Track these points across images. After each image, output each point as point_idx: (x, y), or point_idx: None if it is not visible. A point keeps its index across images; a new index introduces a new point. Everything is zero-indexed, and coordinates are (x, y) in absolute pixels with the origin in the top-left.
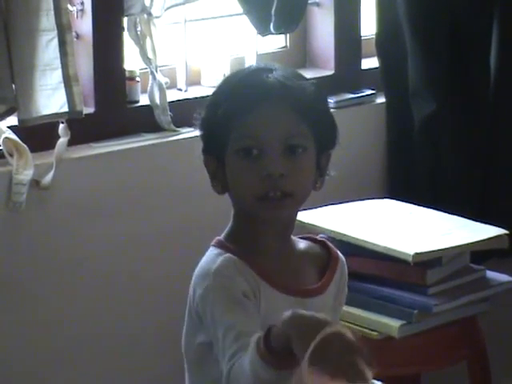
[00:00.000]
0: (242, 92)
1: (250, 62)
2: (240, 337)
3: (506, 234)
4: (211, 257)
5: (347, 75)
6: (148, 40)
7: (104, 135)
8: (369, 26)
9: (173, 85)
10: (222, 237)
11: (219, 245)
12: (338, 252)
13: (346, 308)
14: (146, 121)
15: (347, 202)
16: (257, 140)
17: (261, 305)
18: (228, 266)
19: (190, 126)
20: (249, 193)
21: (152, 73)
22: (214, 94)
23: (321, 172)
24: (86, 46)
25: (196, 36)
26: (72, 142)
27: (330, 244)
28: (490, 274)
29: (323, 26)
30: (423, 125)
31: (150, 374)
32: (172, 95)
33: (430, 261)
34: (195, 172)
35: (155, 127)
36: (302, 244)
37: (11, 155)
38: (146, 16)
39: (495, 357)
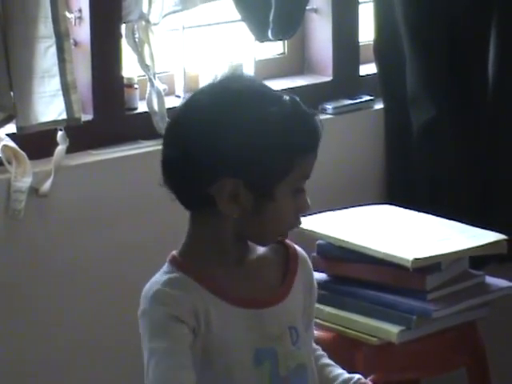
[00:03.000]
0: (309, 130)
1: (248, 68)
2: (160, 363)
3: (504, 240)
4: (159, 276)
5: (345, 81)
6: (146, 47)
7: (102, 142)
8: (367, 31)
9: (171, 91)
10: (178, 251)
11: (173, 262)
12: (298, 249)
13: (345, 314)
14: (144, 128)
15: (346, 207)
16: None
17: (212, 322)
18: (168, 291)
19: None
20: (284, 227)
21: (150, 80)
22: (254, 122)
23: None
24: (84, 53)
25: (194, 43)
26: (70, 150)
27: (289, 242)
28: (489, 279)
29: (321, 32)
30: (422, 130)
31: None
32: (170, 102)
33: (429, 266)
34: None
35: (154, 134)
36: (261, 249)
37: (10, 163)
38: (143, 23)
39: (495, 362)
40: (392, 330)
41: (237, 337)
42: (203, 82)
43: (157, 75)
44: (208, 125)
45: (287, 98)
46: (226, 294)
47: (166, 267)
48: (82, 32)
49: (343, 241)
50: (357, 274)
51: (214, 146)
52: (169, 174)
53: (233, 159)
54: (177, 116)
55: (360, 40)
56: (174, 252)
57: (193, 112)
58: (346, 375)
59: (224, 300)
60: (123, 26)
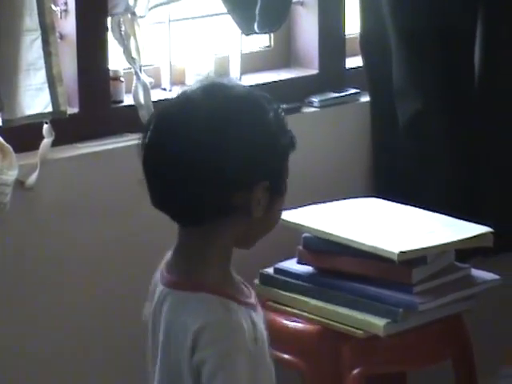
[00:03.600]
0: (291, 135)
1: (234, 61)
2: None
3: (490, 233)
4: (212, 308)
5: (331, 74)
6: (132, 40)
7: (88, 135)
8: (353, 24)
9: (157, 84)
10: (197, 279)
11: (207, 290)
12: None
13: (331, 307)
14: (130, 121)
15: (332, 201)
16: None
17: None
18: (239, 318)
19: None
20: (273, 225)
21: (136, 73)
22: (263, 121)
23: None
24: (70, 46)
25: (180, 35)
26: (56, 143)
27: None
28: (475, 272)
29: (307, 25)
30: (408, 123)
31: (137, 373)
32: (156, 95)
33: (415, 259)
34: None
35: (140, 127)
36: None
37: None
38: (129, 16)
39: (480, 354)
40: (378, 322)
41: (264, 335)
42: (189, 75)
43: (143, 68)
44: (239, 133)
45: (268, 97)
46: (242, 301)
47: (207, 299)
48: (68, 25)
49: (329, 234)
50: (343, 267)
51: (248, 152)
52: (181, 196)
53: (264, 162)
54: (181, 136)
55: (346, 33)
56: (195, 280)
57: (213, 125)
58: None
59: (246, 307)
60: (109, 19)
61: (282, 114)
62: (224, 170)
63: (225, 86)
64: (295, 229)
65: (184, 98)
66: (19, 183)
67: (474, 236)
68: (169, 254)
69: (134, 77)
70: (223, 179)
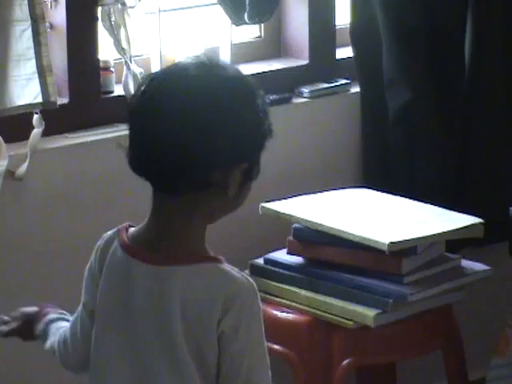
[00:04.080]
0: (271, 124)
1: (225, 51)
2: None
3: (481, 223)
4: (232, 275)
5: (322, 65)
6: (122, 30)
7: (78, 126)
8: (343, 15)
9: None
10: (197, 250)
11: (214, 259)
12: None
13: (321, 297)
14: (120, 111)
15: (323, 191)
16: None
17: None
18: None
19: None
20: (238, 207)
21: (126, 63)
22: (252, 100)
23: None
24: (60, 37)
25: (170, 26)
26: (46, 133)
27: None
28: (466, 262)
29: (297, 15)
30: (398, 114)
31: None
32: None
33: (405, 250)
34: None
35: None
36: None
37: None
38: (119, 6)
39: (470, 345)
40: (368, 313)
41: None
42: None
43: (133, 58)
44: (227, 112)
45: (256, 84)
46: None
47: (221, 267)
48: (58, 15)
49: (319, 224)
50: (333, 258)
51: (235, 133)
52: (166, 162)
53: (248, 145)
54: (169, 101)
55: (336, 23)
56: (202, 252)
57: (203, 99)
58: None
59: None
60: (99, 9)
61: (267, 101)
62: (211, 147)
63: (221, 66)
64: (285, 219)
65: (180, 69)
66: (9, 173)
67: (465, 227)
68: (123, 232)
69: (124, 67)
70: (208, 155)
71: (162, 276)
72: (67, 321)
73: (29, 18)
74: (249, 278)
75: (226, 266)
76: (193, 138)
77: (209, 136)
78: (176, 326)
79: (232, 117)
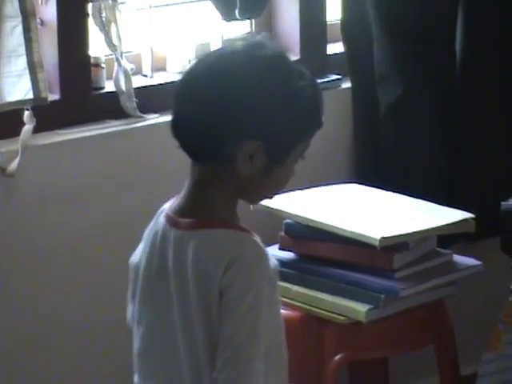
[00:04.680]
0: (322, 108)
1: (215, 47)
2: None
3: (472, 218)
4: (241, 240)
5: (313, 60)
6: (113, 26)
7: (69, 122)
8: (334, 10)
9: (138, 71)
10: (217, 217)
11: (230, 226)
12: None
13: (313, 293)
14: (111, 107)
15: (314, 187)
16: None
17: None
18: (264, 248)
19: (155, 112)
20: (278, 191)
21: (117, 59)
22: (288, 82)
23: None
24: (51, 33)
25: (161, 22)
26: (37, 129)
27: None
28: (457, 257)
29: (288, 11)
30: (389, 109)
31: (120, 361)
32: (137, 81)
33: (396, 245)
34: (161, 158)
35: (121, 113)
36: None
37: None
38: (110, 2)
39: (462, 340)
40: (360, 308)
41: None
42: (170, 62)
43: (124, 54)
44: (244, 88)
45: (308, 73)
46: None
47: (234, 233)
48: (49, 11)
49: (311, 220)
50: (324, 253)
51: (248, 111)
52: (189, 129)
53: (263, 125)
54: (201, 75)
55: (327, 19)
56: (211, 217)
57: (227, 75)
58: None
59: None
60: (90, 6)
61: (319, 93)
62: (222, 119)
63: (262, 46)
64: (277, 215)
65: (227, 46)
66: (0, 170)
67: (456, 222)
68: (171, 203)
69: (115, 63)
70: (219, 126)
71: (185, 240)
72: None
73: (19, 14)
74: (262, 247)
75: (243, 234)
76: (200, 108)
77: (213, 108)
78: (189, 284)
79: (248, 94)
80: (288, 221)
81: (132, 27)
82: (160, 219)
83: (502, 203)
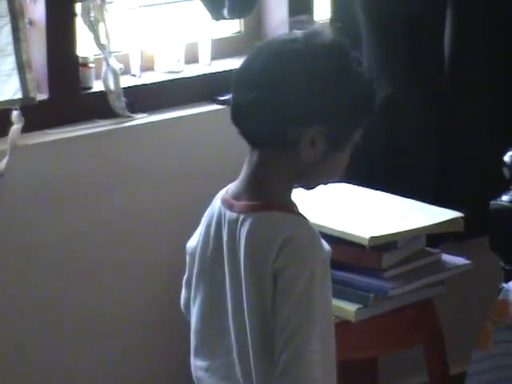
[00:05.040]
0: (375, 90)
1: (204, 47)
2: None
3: (461, 217)
4: (294, 223)
5: None
6: (101, 26)
7: (58, 122)
8: (323, 10)
9: (127, 70)
10: (272, 201)
11: (285, 209)
12: None
13: None
14: (100, 107)
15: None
16: None
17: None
18: (317, 231)
19: (144, 111)
20: (336, 176)
21: (106, 59)
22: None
23: None
24: (40, 33)
25: (149, 21)
26: (26, 129)
27: None
28: (446, 257)
29: (277, 10)
30: (379, 109)
31: (114, 358)
32: (126, 81)
33: (385, 244)
34: (150, 157)
35: (109, 113)
36: None
37: None
38: (99, 1)
39: (451, 339)
40: (349, 308)
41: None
42: (159, 61)
43: (112, 54)
44: (309, 76)
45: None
46: None
47: (287, 216)
48: (37, 11)
49: None
50: None
51: (312, 97)
52: (252, 117)
53: (325, 111)
54: (265, 63)
55: (316, 19)
56: (269, 201)
57: (289, 61)
58: None
59: None
60: (78, 5)
61: (373, 81)
62: (283, 105)
63: (320, 36)
64: None
65: (285, 34)
66: None
67: (445, 221)
68: (228, 188)
69: (104, 63)
70: (281, 112)
71: (240, 222)
72: None
73: (8, 13)
74: (314, 230)
75: (296, 217)
76: (264, 95)
77: (279, 94)
78: (242, 266)
79: (306, 80)
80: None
81: (120, 27)
82: (216, 202)
83: (491, 202)
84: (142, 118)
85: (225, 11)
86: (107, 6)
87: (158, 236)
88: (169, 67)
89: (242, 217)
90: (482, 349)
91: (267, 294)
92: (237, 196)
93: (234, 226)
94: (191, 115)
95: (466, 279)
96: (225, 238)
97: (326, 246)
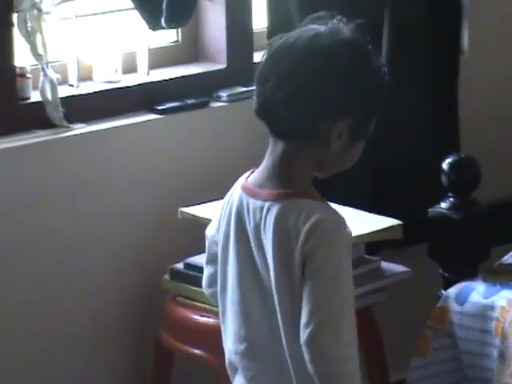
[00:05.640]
0: (387, 84)
1: (142, 57)
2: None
3: (400, 225)
4: (321, 209)
5: (239, 69)
6: (38, 36)
7: None
8: (260, 19)
9: (64, 80)
10: (296, 188)
11: (309, 196)
12: None
13: None
14: (37, 117)
15: None
16: None
17: None
18: (343, 217)
19: (82, 121)
20: (351, 164)
21: (43, 69)
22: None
23: None
24: None
25: (87, 31)
26: None
27: None
28: (385, 264)
29: (215, 19)
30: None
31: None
32: (64, 91)
33: None
34: (88, 167)
35: (47, 123)
36: None
37: None
38: (36, 12)
39: (391, 347)
40: None
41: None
42: (96, 71)
43: (50, 64)
44: (338, 70)
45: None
46: None
47: (313, 202)
48: None
49: None
50: None
51: (343, 92)
52: (282, 110)
53: (353, 104)
54: (297, 60)
55: (253, 27)
56: (288, 190)
57: (320, 58)
58: None
59: None
60: (15, 15)
61: (385, 70)
62: (315, 99)
63: (341, 31)
64: (204, 223)
65: (307, 29)
66: None
67: (384, 229)
68: (246, 177)
69: (41, 73)
70: (312, 106)
71: (265, 209)
72: None
73: None
74: (340, 215)
75: (322, 203)
76: (298, 89)
77: (313, 89)
78: (269, 252)
79: (338, 74)
80: None
81: (58, 37)
82: (237, 191)
83: (429, 210)
84: (79, 128)
85: (162, 21)
86: (44, 16)
87: (95, 244)
88: (107, 77)
89: (267, 204)
90: (421, 356)
91: (296, 277)
92: (260, 184)
93: (259, 213)
94: (129, 125)
95: (406, 286)
96: (251, 225)
97: (350, 229)
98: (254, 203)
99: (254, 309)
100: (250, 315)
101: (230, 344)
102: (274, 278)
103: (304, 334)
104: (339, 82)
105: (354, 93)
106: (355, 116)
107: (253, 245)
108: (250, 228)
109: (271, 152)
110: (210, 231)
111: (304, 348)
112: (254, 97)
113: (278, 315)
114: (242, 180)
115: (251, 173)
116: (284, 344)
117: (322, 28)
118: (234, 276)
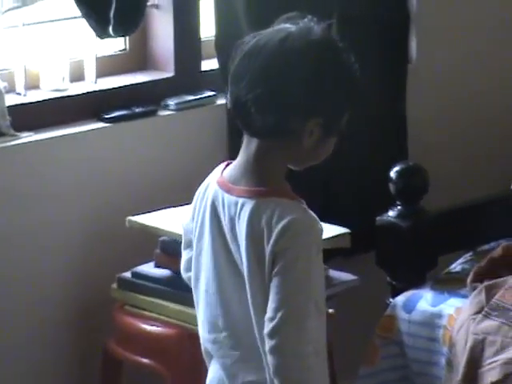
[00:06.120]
0: (359, 77)
1: (89, 65)
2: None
3: (348, 233)
4: (293, 208)
5: (187, 77)
6: None
7: None
8: (208, 27)
9: (11, 89)
10: (269, 187)
11: (282, 195)
12: None
13: (189, 310)
14: None
15: (189, 203)
16: None
17: None
18: (315, 216)
19: (29, 130)
20: (322, 158)
21: None
22: (338, 61)
23: None
24: None
25: (34, 39)
26: None
27: None
28: (333, 272)
29: (162, 28)
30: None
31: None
32: (11, 99)
33: None
34: (35, 176)
35: None
36: None
37: None
38: None
39: (339, 355)
40: None
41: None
42: (44, 79)
43: None
44: (310, 70)
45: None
46: None
47: (285, 201)
48: None
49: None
50: None
51: (314, 91)
52: (255, 110)
53: (325, 103)
54: (268, 61)
55: (202, 36)
56: (268, 187)
57: (291, 59)
58: None
59: None
60: None
61: (356, 66)
62: (287, 98)
63: (314, 27)
64: (152, 232)
65: (279, 29)
66: None
67: (332, 237)
68: (220, 173)
69: None
70: (285, 105)
71: (239, 205)
72: None
73: None
74: (311, 214)
75: (294, 202)
76: (270, 90)
77: (284, 90)
78: (243, 246)
79: (309, 75)
80: (163, 238)
81: (4, 45)
82: (212, 185)
83: (377, 218)
84: (27, 137)
85: (110, 29)
86: None
87: (43, 253)
88: (54, 85)
89: (241, 201)
90: (369, 364)
91: (267, 273)
92: (234, 181)
93: (233, 208)
94: (77, 133)
95: (354, 295)
96: (226, 218)
97: (321, 226)
98: (228, 198)
99: (232, 298)
100: (229, 304)
101: (205, 333)
102: (246, 271)
103: (267, 327)
104: (309, 83)
105: (325, 92)
106: (326, 115)
107: (228, 237)
108: (224, 221)
109: (245, 149)
110: (185, 222)
111: (266, 339)
112: (228, 96)
113: (250, 306)
114: (217, 173)
115: (226, 165)
116: (256, 334)
117: (293, 28)
118: (210, 266)
